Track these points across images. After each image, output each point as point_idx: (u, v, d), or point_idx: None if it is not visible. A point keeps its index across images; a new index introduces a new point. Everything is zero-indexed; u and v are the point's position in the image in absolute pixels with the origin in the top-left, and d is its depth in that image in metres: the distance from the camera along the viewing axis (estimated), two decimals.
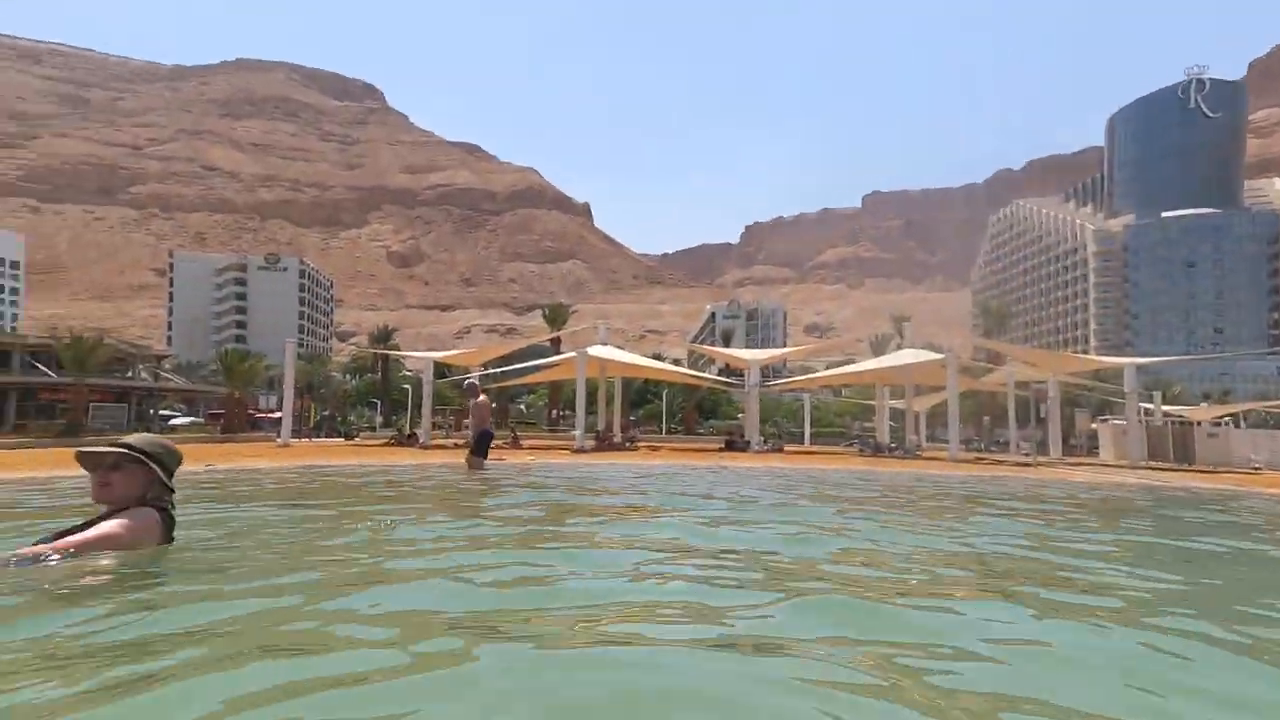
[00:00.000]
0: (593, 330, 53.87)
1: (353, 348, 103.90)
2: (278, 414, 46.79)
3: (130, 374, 41.64)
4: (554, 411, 51.07)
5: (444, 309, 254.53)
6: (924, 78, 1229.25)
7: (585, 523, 4.57)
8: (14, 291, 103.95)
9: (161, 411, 44.96)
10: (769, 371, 40.66)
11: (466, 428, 34.43)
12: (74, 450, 2.66)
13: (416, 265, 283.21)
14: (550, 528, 4.29)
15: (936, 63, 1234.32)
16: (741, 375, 35.42)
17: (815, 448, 31.71)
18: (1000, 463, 19.66)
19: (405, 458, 16.05)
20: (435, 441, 26.32)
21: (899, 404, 36.14)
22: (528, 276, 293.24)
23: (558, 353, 39.07)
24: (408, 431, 29.71)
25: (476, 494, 6.76)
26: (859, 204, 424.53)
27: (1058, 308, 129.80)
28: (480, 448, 10.96)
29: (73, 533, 2.44)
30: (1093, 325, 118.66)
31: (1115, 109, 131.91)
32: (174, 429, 39.68)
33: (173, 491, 2.77)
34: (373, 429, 44.43)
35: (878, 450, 22.50)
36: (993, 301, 79.26)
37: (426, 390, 27.97)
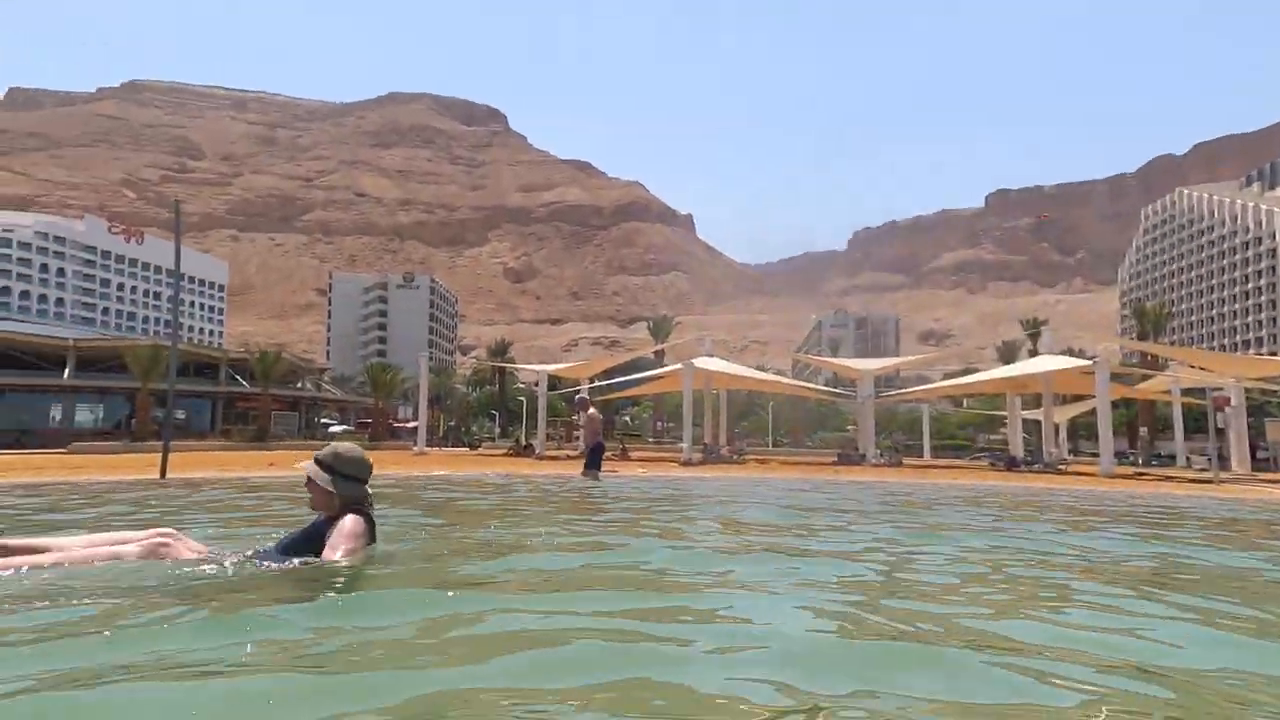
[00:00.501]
0: (695, 342, 54.28)
1: (473, 361, 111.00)
2: (413, 424, 51.21)
3: (300, 385, 47.14)
4: (659, 424, 51.79)
5: (553, 322, 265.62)
6: (1067, 59, 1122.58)
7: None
8: (220, 311, 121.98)
9: (322, 420, 50.43)
10: (881, 382, 38.89)
11: (578, 439, 35.78)
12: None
13: (529, 280, 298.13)
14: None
15: (1081, 41, 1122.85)
16: (853, 386, 34.21)
17: (937, 461, 29.91)
18: (1167, 479, 17.57)
19: (525, 468, 17.02)
20: (549, 452, 27.65)
21: (1032, 414, 33.23)
22: (632, 289, 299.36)
23: (661, 365, 39.74)
24: (524, 442, 31.37)
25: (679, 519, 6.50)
26: (982, 203, 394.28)
27: (1232, 306, 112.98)
28: (594, 460, 11.41)
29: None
30: None
31: None
32: (332, 435, 44.47)
33: (367, 495, 2.97)
34: (492, 439, 47.33)
35: (1012, 464, 20.89)
36: (1148, 302, 70.51)
37: (541, 403, 29.50)
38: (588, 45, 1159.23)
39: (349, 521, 2.80)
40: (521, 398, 55.72)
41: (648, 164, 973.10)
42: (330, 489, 2.86)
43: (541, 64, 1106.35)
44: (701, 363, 25.32)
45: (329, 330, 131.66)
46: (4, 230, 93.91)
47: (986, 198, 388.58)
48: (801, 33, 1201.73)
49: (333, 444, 3.01)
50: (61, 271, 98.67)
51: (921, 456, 34.02)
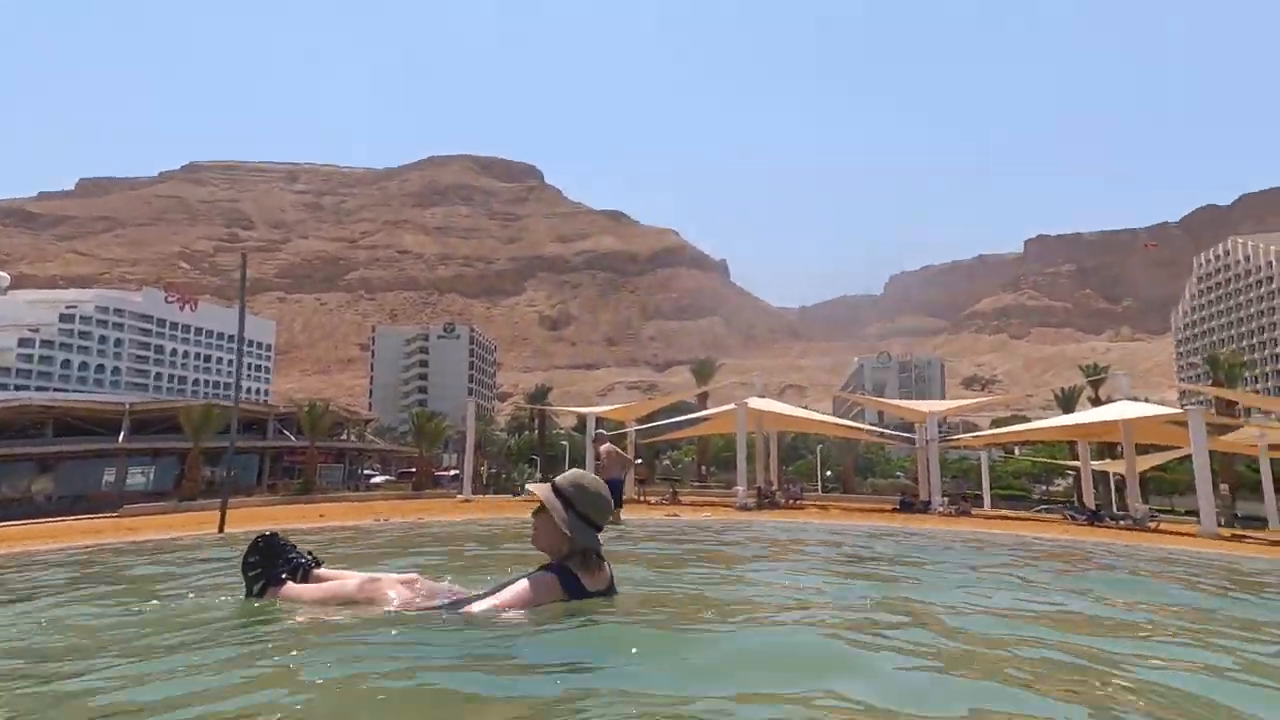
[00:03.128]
0: (734, 387, 53.56)
1: (512, 408, 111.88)
2: (454, 471, 51.31)
3: (345, 437, 47.96)
4: (702, 467, 50.75)
5: (588, 368, 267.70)
6: (1101, 105, 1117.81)
7: None
8: (267, 370, 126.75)
9: (364, 471, 50.95)
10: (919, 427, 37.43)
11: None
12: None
13: (564, 328, 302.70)
14: None
15: (1116, 89, 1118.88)
16: (904, 430, 32.99)
17: (1006, 511, 28.30)
18: (1276, 544, 16.03)
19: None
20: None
21: (1099, 466, 31.33)
22: (667, 334, 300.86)
23: (704, 408, 39.15)
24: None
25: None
26: (1020, 248, 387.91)
27: None
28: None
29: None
30: None
31: None
32: (374, 486, 44.78)
33: (598, 549, 2.35)
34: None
35: (1095, 518, 19.51)
36: (1222, 350, 67.09)
37: (589, 447, 29.16)
38: (619, 97, 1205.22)
39: (546, 581, 2.18)
40: (563, 442, 55.45)
41: (681, 211, 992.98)
42: (565, 529, 2.24)
43: (575, 118, 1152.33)
44: (754, 403, 24.76)
45: (371, 383, 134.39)
46: (67, 307, 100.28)
47: (1026, 243, 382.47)
48: (832, 80, 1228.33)
49: (573, 471, 2.44)
50: (119, 342, 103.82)
51: (982, 506, 32.28)
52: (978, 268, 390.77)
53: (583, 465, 31.40)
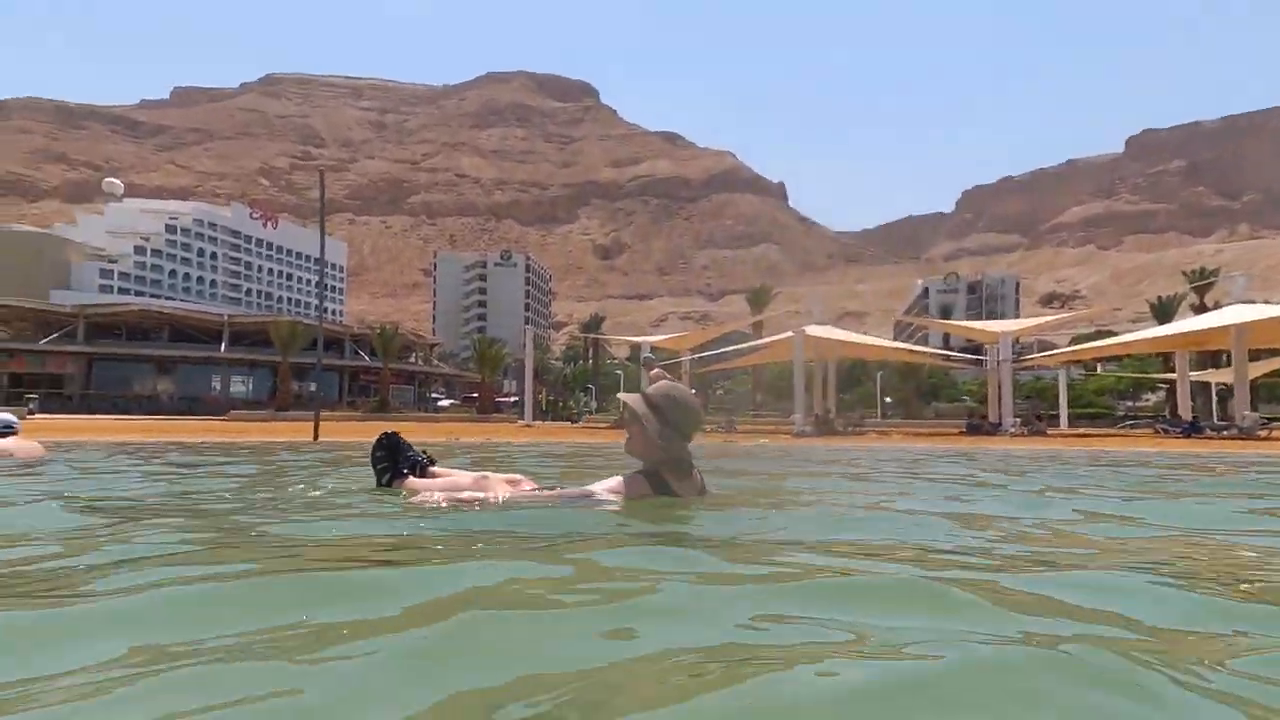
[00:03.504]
0: (789, 315, 51.81)
1: (566, 337, 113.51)
2: (513, 397, 52.80)
3: (414, 360, 49.97)
4: (757, 396, 50.18)
5: (641, 298, 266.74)
6: None
7: None
8: (340, 291, 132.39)
9: (431, 394, 53.17)
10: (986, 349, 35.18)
11: None
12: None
13: (617, 257, 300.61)
14: None
15: None
16: (979, 351, 31.16)
17: (1086, 430, 26.66)
18: None
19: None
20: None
21: (1199, 377, 28.82)
22: (720, 263, 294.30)
23: (759, 337, 38.09)
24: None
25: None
26: (1120, 148, 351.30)
27: None
28: None
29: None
30: None
31: None
32: (440, 409, 46.62)
33: (689, 459, 2.47)
34: (590, 412, 47.76)
35: (1193, 430, 17.90)
36: None
37: (644, 376, 29.02)
38: (675, 10, 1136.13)
39: (638, 481, 2.32)
40: (617, 371, 55.78)
41: (738, 131, 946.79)
42: (658, 438, 2.32)
43: (631, 31, 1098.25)
44: (813, 330, 23.71)
45: (434, 308, 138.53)
46: (170, 218, 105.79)
47: (1127, 141, 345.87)
48: None
49: (665, 383, 2.46)
50: (214, 255, 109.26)
51: (1058, 426, 30.50)
52: (1066, 174, 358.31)
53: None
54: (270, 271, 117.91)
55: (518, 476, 2.62)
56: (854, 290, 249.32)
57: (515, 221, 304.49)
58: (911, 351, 31.92)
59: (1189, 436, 16.97)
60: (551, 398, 59.59)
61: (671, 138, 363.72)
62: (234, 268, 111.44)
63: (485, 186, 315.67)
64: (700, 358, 31.52)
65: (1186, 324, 21.92)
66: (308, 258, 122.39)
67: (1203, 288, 33.59)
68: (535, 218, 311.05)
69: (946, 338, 62.68)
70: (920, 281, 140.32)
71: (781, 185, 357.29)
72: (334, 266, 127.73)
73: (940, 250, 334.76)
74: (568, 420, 41.07)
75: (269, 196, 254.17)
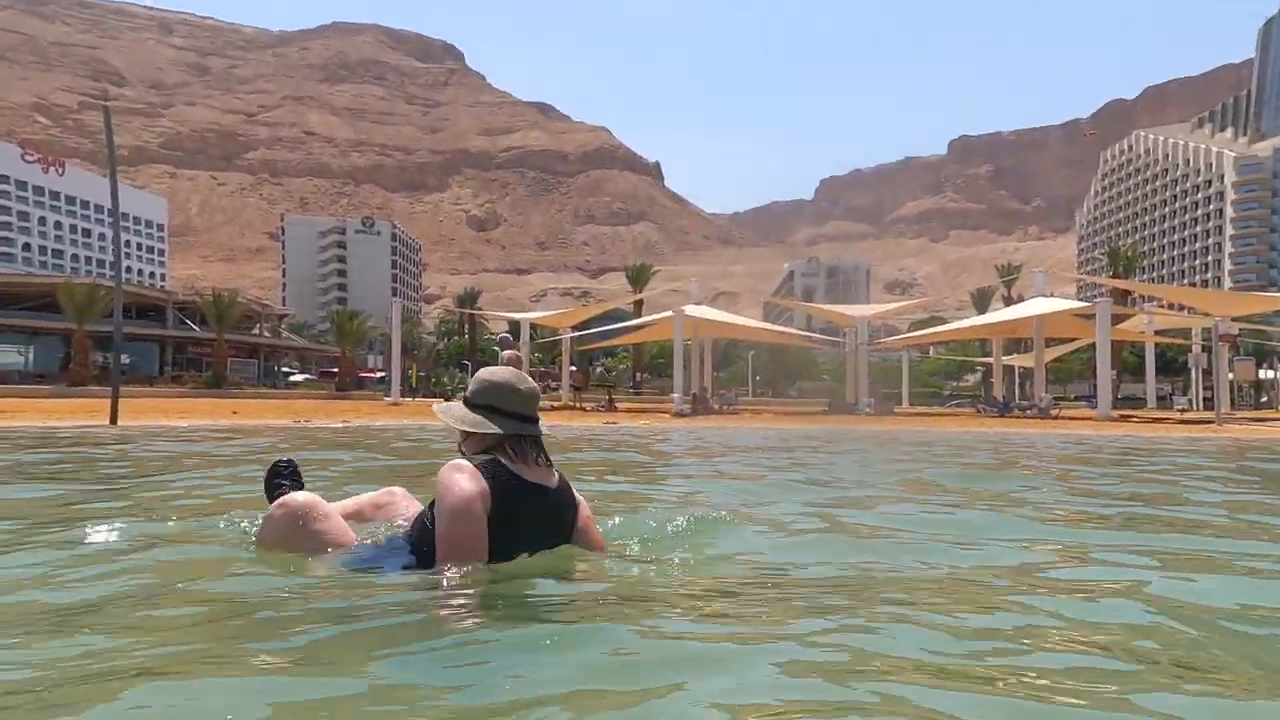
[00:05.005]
0: (667, 294, 53.09)
1: (440, 311, 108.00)
2: (380, 373, 49.39)
3: (257, 331, 44.85)
4: (637, 374, 51.06)
5: (520, 272, 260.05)
6: (1019, 7, 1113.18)
7: None
8: (161, 253, 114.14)
9: (282, 369, 48.28)
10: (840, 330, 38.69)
11: (553, 387, 34.79)
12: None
13: (493, 229, 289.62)
14: None
15: None
16: (836, 333, 33.94)
17: (923, 409, 30.09)
18: (1159, 421, 17.58)
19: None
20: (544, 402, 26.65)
21: (1009, 360, 33.63)
22: (600, 239, 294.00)
23: (639, 315, 38.66)
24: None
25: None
26: (945, 150, 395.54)
27: (1185, 248, 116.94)
28: None
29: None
30: (1228, 265, 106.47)
31: (1274, 11, 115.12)
32: (293, 384, 42.48)
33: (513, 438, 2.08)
34: (464, 389, 45.96)
35: (1005, 410, 20.87)
36: (1122, 243, 71.68)
37: (525, 352, 28.35)
38: None
39: (442, 477, 1.82)
40: (495, 347, 54.11)
41: (613, 108, 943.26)
42: (468, 427, 1.98)
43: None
44: (691, 310, 24.43)
45: (284, 275, 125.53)
46: None
47: (949, 144, 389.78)
48: None
49: (482, 370, 2.15)
50: None
51: (901, 404, 34.19)
52: (903, 170, 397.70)
53: (522, 368, 30.67)
54: (56, 225, 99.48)
55: (395, 490, 2.37)
56: (727, 271, 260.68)
57: (378, 187, 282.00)
58: (783, 333, 34.01)
59: (1002, 416, 19.71)
60: (423, 374, 56.63)
61: (545, 109, 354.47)
62: (2, 218, 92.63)
63: (340, 147, 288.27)
64: (580, 335, 31.40)
65: (1002, 314, 25.39)
66: (109, 210, 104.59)
67: (1010, 282, 39.12)
68: (401, 184, 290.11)
69: (809, 319, 67.54)
70: (787, 265, 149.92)
71: (657, 165, 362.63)
72: (149, 224, 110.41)
73: (803, 235, 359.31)
74: (441, 397, 39.30)
75: (50, 138, 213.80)
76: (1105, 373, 18.05)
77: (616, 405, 25.93)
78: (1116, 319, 29.26)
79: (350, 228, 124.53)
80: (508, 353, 10.09)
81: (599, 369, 63.35)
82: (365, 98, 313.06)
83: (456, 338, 65.28)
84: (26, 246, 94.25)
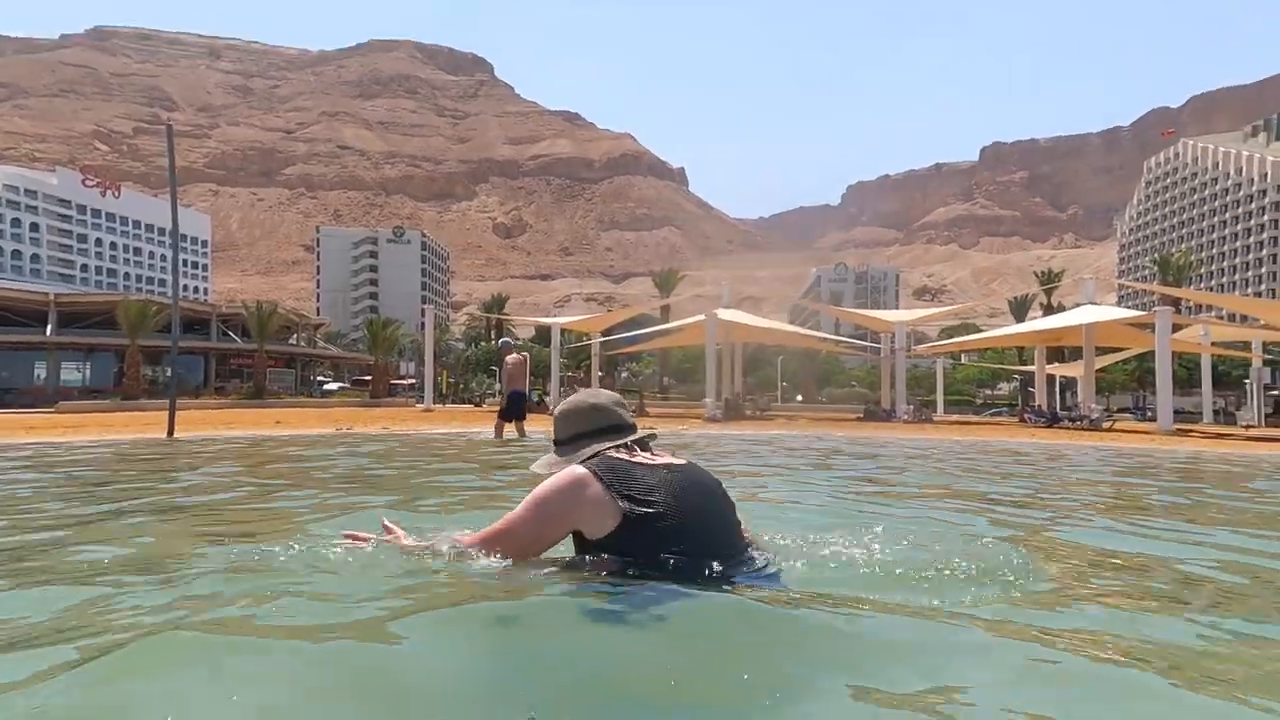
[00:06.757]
0: (692, 299, 52.85)
1: (466, 317, 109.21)
2: (410, 381, 49.93)
3: (294, 341, 45.75)
4: (664, 379, 50.86)
5: (544, 278, 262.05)
6: (1062, 13, 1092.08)
7: None
8: (205, 268, 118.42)
9: (317, 378, 49.17)
10: (871, 336, 37.91)
11: (565, 394, 34.79)
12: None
13: (519, 236, 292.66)
14: None
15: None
16: (865, 339, 33.34)
17: (964, 418, 29.31)
18: (1223, 436, 16.69)
19: (543, 425, 15.82)
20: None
21: (1053, 369, 32.63)
22: (624, 245, 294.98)
23: (666, 320, 38.43)
24: (536, 399, 30.35)
25: None
26: (976, 157, 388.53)
27: (1237, 259, 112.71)
28: (513, 410, 9.45)
29: None
30: None
31: None
32: (328, 393, 43.20)
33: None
34: (493, 395, 46.22)
35: (1053, 420, 20.15)
36: (1173, 252, 69.13)
37: (554, 359, 28.36)
38: None
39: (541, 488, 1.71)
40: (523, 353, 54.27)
41: (639, 115, 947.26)
42: (562, 462, 1.83)
43: (528, 8, 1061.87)
44: (724, 314, 24.16)
45: (319, 286, 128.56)
46: None
47: (981, 150, 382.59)
48: None
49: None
50: (35, 226, 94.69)
51: (936, 412, 33.38)
52: (934, 177, 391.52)
53: (546, 375, 30.76)
54: (111, 245, 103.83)
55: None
56: (753, 276, 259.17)
57: (408, 197, 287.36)
58: (816, 338, 33.50)
59: (1050, 427, 19.03)
60: (452, 380, 57.15)
61: (571, 117, 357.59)
62: (63, 241, 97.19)
63: (373, 160, 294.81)
64: (611, 340, 31.29)
65: (1049, 321, 24.60)
66: (159, 229, 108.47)
67: (1050, 289, 38.01)
68: (430, 194, 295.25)
69: (837, 324, 66.60)
70: (814, 270, 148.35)
71: (682, 170, 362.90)
72: (194, 241, 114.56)
73: (829, 241, 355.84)
74: (470, 403, 39.54)
75: (108, 163, 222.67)
76: (1166, 384, 17.17)
77: (648, 411, 25.76)
78: (1173, 329, 28.16)
79: (382, 238, 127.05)
80: (513, 357, 9.80)
81: (624, 374, 63.24)
82: (397, 111, 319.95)
83: (484, 343, 65.75)
84: (84, 268, 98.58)
